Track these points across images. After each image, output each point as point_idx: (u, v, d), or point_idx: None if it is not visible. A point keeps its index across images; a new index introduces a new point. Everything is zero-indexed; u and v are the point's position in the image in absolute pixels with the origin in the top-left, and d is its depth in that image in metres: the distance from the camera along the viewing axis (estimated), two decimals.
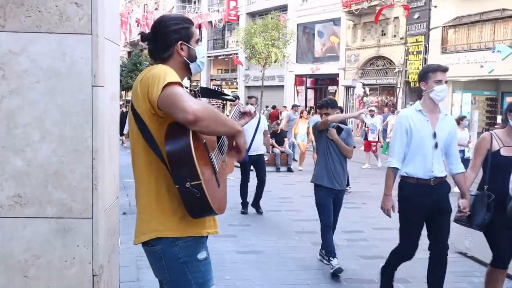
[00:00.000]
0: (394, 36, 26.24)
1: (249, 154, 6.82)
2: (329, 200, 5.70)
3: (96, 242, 3.14)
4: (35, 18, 3.01)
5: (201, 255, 2.36)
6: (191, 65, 2.43)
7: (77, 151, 3.07)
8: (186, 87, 2.54)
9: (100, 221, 3.17)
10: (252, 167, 8.92)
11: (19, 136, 3.03)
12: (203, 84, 41.67)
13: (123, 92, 34.16)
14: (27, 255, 3.10)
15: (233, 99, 2.82)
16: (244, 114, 2.69)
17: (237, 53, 34.97)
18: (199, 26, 36.30)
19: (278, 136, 15.25)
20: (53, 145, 3.05)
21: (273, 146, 14.87)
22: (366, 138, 16.71)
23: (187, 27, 2.40)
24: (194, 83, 43.63)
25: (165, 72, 2.18)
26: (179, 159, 2.10)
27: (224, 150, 2.52)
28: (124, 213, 7.12)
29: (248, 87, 36.81)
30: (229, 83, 41.51)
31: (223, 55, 39.42)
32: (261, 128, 8.26)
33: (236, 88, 39.07)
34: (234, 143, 2.39)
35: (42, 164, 3.06)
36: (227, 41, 39.24)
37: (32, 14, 3.01)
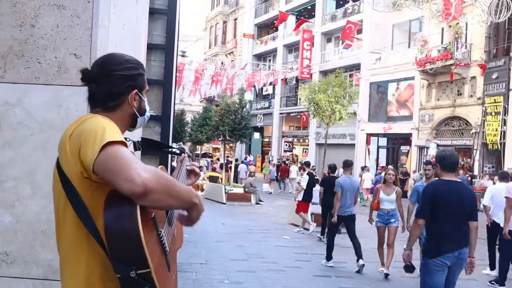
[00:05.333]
0: (471, 96, 25.22)
1: None
2: None
3: None
4: (34, 70, 2.94)
5: None
6: (139, 119, 1.98)
7: None
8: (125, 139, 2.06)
9: None
10: None
11: (9, 190, 2.90)
12: (275, 141, 41.81)
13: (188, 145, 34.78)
14: None
15: (179, 152, 2.33)
16: (190, 173, 2.21)
17: (308, 111, 35.05)
18: (271, 83, 36.70)
19: None
20: (43, 202, 2.89)
21: None
22: None
23: (143, 74, 1.96)
24: (266, 139, 43.98)
25: (103, 127, 1.69)
26: (122, 239, 1.58)
27: (173, 220, 1.99)
28: None
29: (318, 145, 36.49)
30: (301, 140, 41.39)
31: (295, 112, 39.53)
32: None
33: (307, 145, 38.84)
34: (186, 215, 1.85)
35: (31, 221, 2.90)
36: (300, 99, 39.45)
37: (31, 65, 2.94)
